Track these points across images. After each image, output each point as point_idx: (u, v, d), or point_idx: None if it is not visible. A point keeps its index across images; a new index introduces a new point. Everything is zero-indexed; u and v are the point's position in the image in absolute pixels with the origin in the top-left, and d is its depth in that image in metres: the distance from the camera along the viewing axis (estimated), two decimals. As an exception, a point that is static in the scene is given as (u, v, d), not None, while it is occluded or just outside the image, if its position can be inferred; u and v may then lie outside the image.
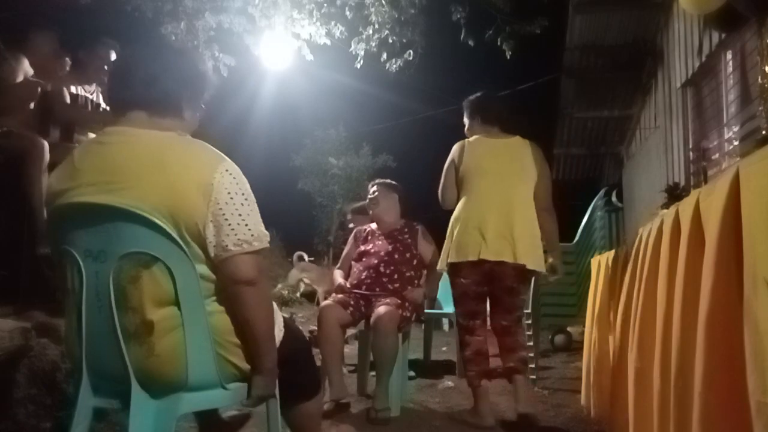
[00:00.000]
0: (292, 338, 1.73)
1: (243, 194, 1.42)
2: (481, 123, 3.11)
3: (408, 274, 3.36)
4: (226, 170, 1.41)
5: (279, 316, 1.69)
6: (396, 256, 3.35)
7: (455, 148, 3.07)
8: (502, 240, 2.82)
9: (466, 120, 3.22)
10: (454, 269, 2.94)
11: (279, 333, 1.64)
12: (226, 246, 1.38)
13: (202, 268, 1.41)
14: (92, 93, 3.36)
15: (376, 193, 3.58)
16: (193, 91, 1.55)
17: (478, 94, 3.25)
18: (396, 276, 3.29)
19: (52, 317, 2.39)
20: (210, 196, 1.36)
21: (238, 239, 1.39)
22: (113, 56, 3.37)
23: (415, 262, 3.40)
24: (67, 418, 1.53)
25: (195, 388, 1.41)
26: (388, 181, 3.72)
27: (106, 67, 3.32)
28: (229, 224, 1.38)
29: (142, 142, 1.40)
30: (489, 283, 2.91)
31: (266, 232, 1.46)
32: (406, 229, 3.51)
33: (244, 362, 1.52)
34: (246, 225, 1.40)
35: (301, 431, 1.86)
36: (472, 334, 2.93)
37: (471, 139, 3.06)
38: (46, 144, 2.77)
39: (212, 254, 1.38)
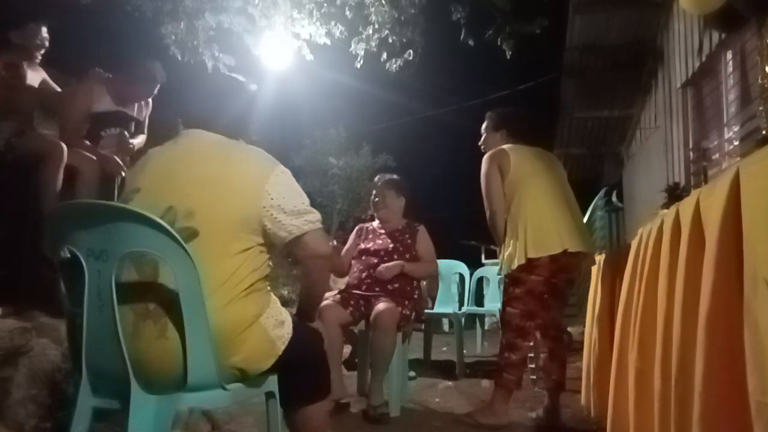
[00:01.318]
0: (303, 340, 1.69)
1: (298, 190, 1.66)
2: (506, 136, 3.17)
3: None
4: (282, 171, 1.63)
5: (288, 316, 1.69)
6: (395, 256, 3.35)
7: (495, 157, 3.03)
8: (577, 231, 2.93)
9: (487, 131, 3.25)
10: (528, 266, 2.86)
11: (287, 333, 1.62)
12: (299, 226, 1.60)
13: (229, 263, 1.49)
14: (126, 106, 3.25)
15: (384, 197, 3.56)
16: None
17: (508, 109, 3.34)
18: (396, 276, 3.29)
19: (52, 317, 2.39)
20: (270, 191, 1.56)
21: (306, 220, 1.62)
22: (158, 78, 3.24)
23: (414, 262, 3.40)
24: (67, 418, 1.53)
25: (195, 388, 1.41)
26: (395, 179, 3.65)
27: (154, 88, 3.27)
28: (296, 209, 1.61)
29: (208, 145, 1.62)
30: (556, 276, 2.92)
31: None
32: (407, 229, 3.51)
33: (245, 363, 1.52)
34: (308, 208, 1.65)
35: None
36: (525, 338, 2.93)
37: (507, 147, 3.07)
38: (65, 147, 2.77)
39: (284, 238, 1.59)
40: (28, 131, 2.85)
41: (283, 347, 1.59)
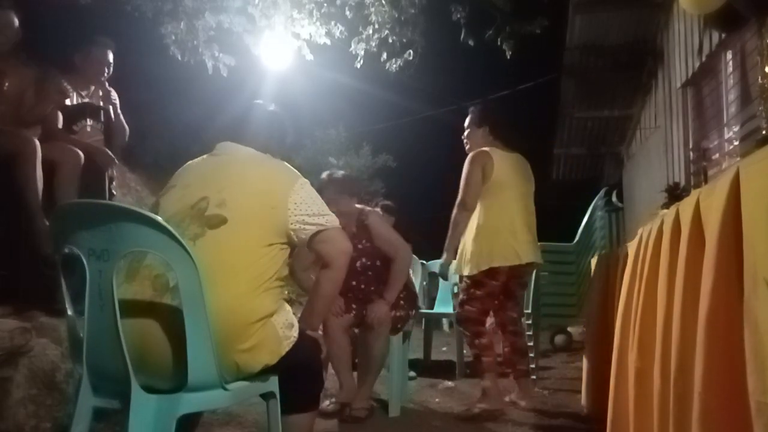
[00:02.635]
0: (303, 348, 1.71)
1: (319, 198, 1.80)
2: (488, 133, 3.29)
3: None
4: (305, 182, 1.78)
5: (296, 322, 1.72)
6: (369, 273, 3.19)
7: (481, 158, 3.18)
8: (530, 244, 3.22)
9: (471, 126, 3.37)
10: (491, 272, 3.13)
11: (293, 336, 1.66)
12: (321, 224, 1.72)
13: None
14: (89, 96, 3.28)
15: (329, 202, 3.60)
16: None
17: (488, 104, 3.45)
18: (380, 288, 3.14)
19: (52, 317, 2.39)
20: (294, 197, 1.69)
21: (327, 219, 1.75)
22: (110, 56, 3.30)
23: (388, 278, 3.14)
24: (67, 418, 1.53)
25: (195, 388, 1.41)
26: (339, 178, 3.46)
27: (105, 68, 3.28)
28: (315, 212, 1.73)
29: (243, 154, 1.79)
30: (511, 281, 3.27)
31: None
32: (361, 231, 3.13)
33: (249, 354, 1.54)
34: (328, 211, 1.79)
35: None
36: (485, 326, 3.26)
37: (491, 151, 3.21)
38: (37, 142, 2.75)
39: (308, 233, 1.70)
40: (6, 130, 2.80)
41: (287, 349, 1.61)
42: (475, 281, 3.16)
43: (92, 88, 3.30)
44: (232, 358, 1.51)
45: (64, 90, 3.09)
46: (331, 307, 2.00)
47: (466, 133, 3.38)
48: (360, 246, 3.06)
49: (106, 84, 3.32)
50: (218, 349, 1.44)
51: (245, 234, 1.59)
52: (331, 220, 1.78)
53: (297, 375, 1.68)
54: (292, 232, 1.68)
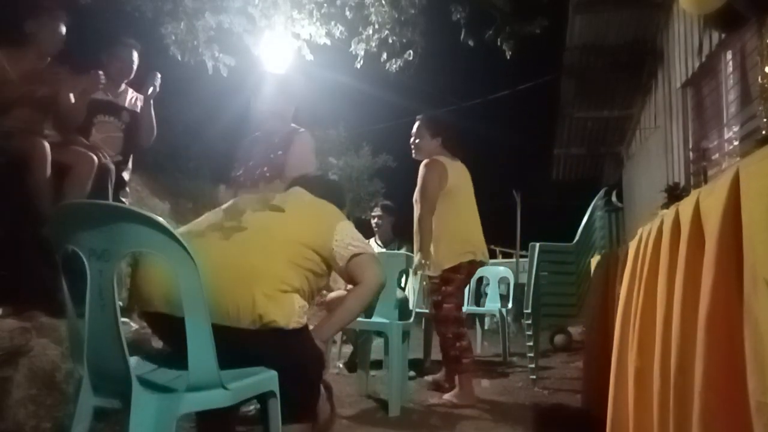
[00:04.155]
0: (311, 354, 1.79)
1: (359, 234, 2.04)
2: (440, 144, 3.56)
3: None
4: (348, 222, 2.03)
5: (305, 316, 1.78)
6: None
7: (437, 167, 3.43)
8: (482, 243, 3.57)
9: (423, 136, 3.58)
10: (457, 268, 3.39)
11: (302, 324, 1.75)
12: (362, 247, 1.94)
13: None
14: (116, 97, 3.31)
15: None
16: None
17: (441, 115, 3.79)
18: None
19: (52, 317, 2.39)
20: (338, 229, 1.93)
21: (366, 246, 1.97)
22: (135, 57, 3.34)
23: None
24: (67, 418, 1.54)
25: (195, 388, 1.42)
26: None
27: (130, 68, 3.31)
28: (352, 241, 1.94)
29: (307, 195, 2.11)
30: (467, 277, 3.64)
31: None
32: None
33: (262, 299, 1.65)
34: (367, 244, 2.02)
35: None
36: (464, 326, 3.50)
37: (443, 160, 3.47)
38: (47, 145, 2.76)
39: (349, 254, 1.90)
40: (16, 131, 2.81)
41: (294, 326, 1.70)
42: (444, 279, 3.38)
43: (119, 90, 3.33)
44: (253, 292, 1.64)
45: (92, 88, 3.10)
46: (348, 323, 2.07)
47: (417, 140, 3.60)
48: None
49: (132, 91, 3.37)
50: (246, 280, 1.65)
51: (293, 227, 1.86)
52: (370, 249, 1.98)
53: (296, 382, 1.68)
54: (333, 249, 1.88)
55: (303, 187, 2.15)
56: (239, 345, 1.62)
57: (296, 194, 2.11)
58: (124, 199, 3.28)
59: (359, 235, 2.01)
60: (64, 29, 3.01)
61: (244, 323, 1.64)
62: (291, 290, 1.74)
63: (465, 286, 3.60)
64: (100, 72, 2.99)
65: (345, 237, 1.91)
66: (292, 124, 3.04)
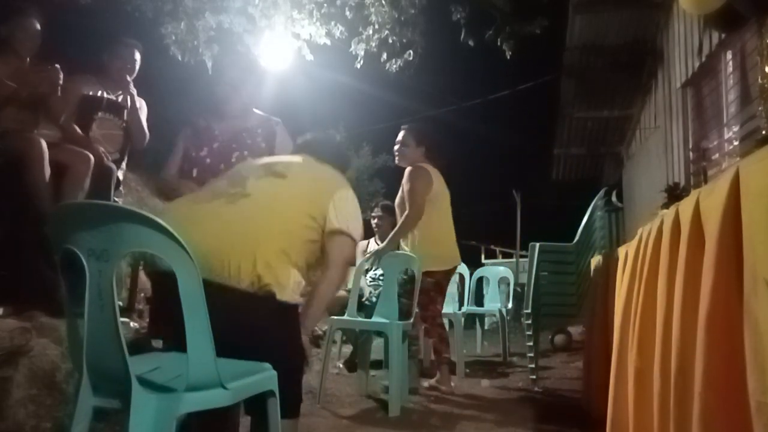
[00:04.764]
0: (294, 348, 1.84)
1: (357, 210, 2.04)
2: (424, 153, 3.73)
3: None
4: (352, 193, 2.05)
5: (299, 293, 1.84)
6: None
7: (425, 173, 3.62)
8: (457, 251, 3.83)
9: (408, 144, 3.72)
10: (444, 274, 3.71)
11: (297, 298, 1.81)
12: (344, 224, 1.91)
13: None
14: (118, 96, 3.30)
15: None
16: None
17: (425, 127, 3.94)
18: None
19: (52, 317, 2.39)
20: (341, 193, 1.98)
21: (351, 226, 1.94)
22: (137, 56, 3.34)
23: None
24: (67, 418, 1.54)
25: (195, 388, 1.42)
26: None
27: (131, 67, 3.31)
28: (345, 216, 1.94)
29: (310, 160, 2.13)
30: (444, 280, 3.80)
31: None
32: None
33: (269, 261, 1.71)
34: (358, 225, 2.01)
35: None
36: (443, 326, 3.81)
37: (428, 167, 3.67)
38: (44, 143, 2.76)
39: (331, 224, 1.89)
40: (10, 131, 2.80)
41: (287, 299, 1.75)
42: (434, 283, 3.61)
43: (120, 91, 3.32)
44: (255, 254, 1.70)
45: (78, 88, 3.10)
46: (325, 310, 2.07)
47: (402, 148, 3.76)
48: None
49: (133, 88, 3.35)
50: (249, 243, 1.72)
51: (297, 192, 1.90)
52: (353, 228, 1.96)
53: (281, 368, 1.67)
54: (328, 213, 1.89)
55: (308, 152, 2.17)
56: (233, 308, 1.63)
57: (299, 161, 2.10)
58: (118, 199, 3.27)
59: (353, 209, 2.00)
60: (38, 27, 2.98)
61: (244, 283, 1.69)
62: (289, 263, 1.78)
63: (446, 288, 3.85)
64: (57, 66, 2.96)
65: (338, 208, 1.92)
66: (259, 112, 2.99)
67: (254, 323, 1.71)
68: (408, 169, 3.66)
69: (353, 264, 2.03)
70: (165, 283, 1.67)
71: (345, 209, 1.95)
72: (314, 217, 1.89)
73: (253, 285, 1.70)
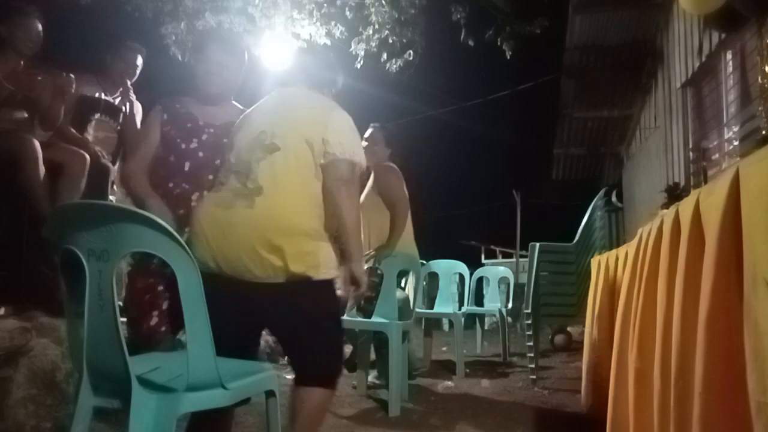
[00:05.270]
0: (335, 323, 1.94)
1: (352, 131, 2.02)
2: (389, 156, 3.79)
3: None
4: (342, 112, 2.01)
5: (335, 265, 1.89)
6: None
7: (399, 173, 3.70)
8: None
9: (378, 144, 3.76)
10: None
11: (333, 271, 1.86)
12: (338, 148, 1.88)
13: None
14: (116, 98, 3.29)
15: None
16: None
17: (392, 129, 4.02)
18: None
19: (52, 317, 2.39)
20: (331, 120, 1.94)
21: (353, 152, 1.92)
22: (140, 60, 3.33)
23: None
24: (67, 418, 1.54)
25: (195, 388, 1.42)
26: None
27: (132, 70, 3.30)
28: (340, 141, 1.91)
29: (290, 92, 2.13)
30: None
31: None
32: None
33: (296, 255, 1.77)
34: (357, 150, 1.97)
35: (301, 420, 1.81)
36: None
37: (395, 166, 3.72)
38: (37, 143, 2.75)
39: (325, 160, 1.88)
40: (4, 132, 2.78)
41: (323, 277, 1.81)
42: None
43: (118, 94, 3.30)
44: (283, 252, 1.75)
45: (68, 88, 3.08)
46: (359, 228, 2.02)
47: (371, 146, 3.74)
48: None
49: (132, 94, 3.34)
50: (276, 241, 1.76)
51: (295, 158, 1.86)
52: (348, 151, 1.91)
53: (318, 343, 1.80)
54: (326, 146, 1.88)
55: (296, 84, 2.16)
56: (276, 298, 1.79)
57: (281, 110, 2.03)
58: (112, 198, 3.27)
59: (347, 135, 1.96)
60: (39, 27, 2.96)
61: (281, 279, 1.78)
62: (315, 240, 1.83)
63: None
64: (72, 75, 2.95)
65: (333, 135, 1.90)
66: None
67: (297, 305, 1.81)
68: (385, 166, 3.70)
69: (353, 181, 1.99)
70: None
71: (341, 134, 1.94)
72: (315, 153, 1.89)
73: (289, 279, 1.77)
